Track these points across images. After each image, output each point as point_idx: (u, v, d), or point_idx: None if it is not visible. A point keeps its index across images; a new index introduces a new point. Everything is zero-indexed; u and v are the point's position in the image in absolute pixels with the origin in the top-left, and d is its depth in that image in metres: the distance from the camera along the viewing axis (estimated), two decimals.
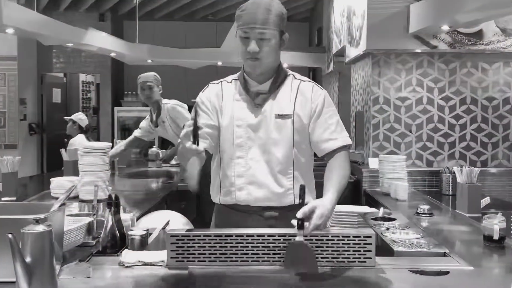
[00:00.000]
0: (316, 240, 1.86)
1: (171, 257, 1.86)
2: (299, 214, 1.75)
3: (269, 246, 1.86)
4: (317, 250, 1.86)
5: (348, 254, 1.87)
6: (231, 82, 2.23)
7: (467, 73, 4.65)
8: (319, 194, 2.09)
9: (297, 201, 1.87)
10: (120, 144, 5.25)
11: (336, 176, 2.03)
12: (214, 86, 2.23)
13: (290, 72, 2.23)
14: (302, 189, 1.84)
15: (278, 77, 2.17)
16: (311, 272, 1.76)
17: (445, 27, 4.11)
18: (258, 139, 2.13)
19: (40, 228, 1.50)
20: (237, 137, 2.14)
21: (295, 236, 1.79)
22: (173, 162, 6.18)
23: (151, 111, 5.05)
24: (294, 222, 1.77)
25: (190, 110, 11.04)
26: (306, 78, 2.24)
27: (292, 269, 1.77)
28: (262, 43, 2.05)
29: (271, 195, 2.14)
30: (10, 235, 1.42)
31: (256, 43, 2.04)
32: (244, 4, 2.09)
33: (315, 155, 2.26)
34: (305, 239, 1.76)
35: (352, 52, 5.26)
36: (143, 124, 5.12)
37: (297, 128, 2.14)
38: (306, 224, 1.77)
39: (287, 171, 2.15)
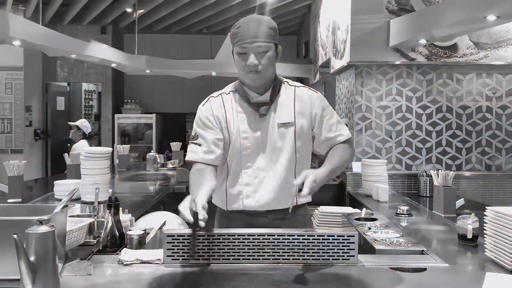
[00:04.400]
0: (303, 239, 1.87)
1: (167, 256, 1.85)
2: (296, 181, 1.81)
3: (259, 245, 1.86)
4: (304, 249, 1.86)
5: (332, 252, 1.87)
6: (229, 93, 2.16)
7: (443, 83, 4.68)
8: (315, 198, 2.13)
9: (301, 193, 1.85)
10: None
11: (333, 157, 2.09)
12: (215, 100, 2.15)
13: (284, 80, 2.20)
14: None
15: (276, 85, 2.13)
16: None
17: (423, 41, 4.14)
18: (264, 149, 2.10)
19: (44, 228, 1.49)
20: (244, 148, 2.10)
21: (283, 235, 1.80)
22: (169, 166, 6.17)
23: None
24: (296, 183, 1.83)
25: (185, 118, 10.88)
26: (299, 84, 2.21)
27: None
28: (260, 56, 2.02)
29: (277, 199, 2.11)
30: (15, 235, 1.41)
31: (255, 56, 2.01)
32: (237, 22, 2.06)
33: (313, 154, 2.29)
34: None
35: (336, 64, 5.28)
36: None
37: (299, 134, 2.12)
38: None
39: (290, 175, 2.12)
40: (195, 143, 2.10)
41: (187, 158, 2.12)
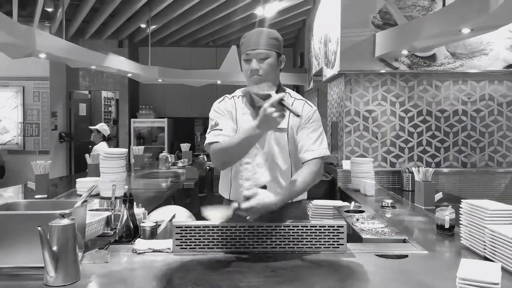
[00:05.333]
0: (297, 229, 1.86)
1: (176, 245, 1.86)
2: (247, 193, 1.79)
3: (259, 235, 1.86)
4: (298, 238, 1.86)
5: (324, 241, 1.87)
6: (239, 97, 2.17)
7: (423, 89, 4.67)
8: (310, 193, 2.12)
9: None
10: None
11: (296, 181, 1.96)
12: (229, 100, 2.17)
13: (287, 90, 2.19)
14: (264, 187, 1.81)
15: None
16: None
17: (405, 52, 4.14)
18: (262, 149, 2.10)
19: (65, 221, 1.49)
20: None
21: (280, 226, 1.79)
22: (179, 164, 6.16)
23: None
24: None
25: (194, 122, 10.87)
26: (300, 96, 2.18)
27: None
28: (262, 62, 2.02)
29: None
30: (39, 228, 1.41)
31: (257, 62, 2.02)
32: (245, 34, 2.09)
33: None
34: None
35: (328, 73, 5.28)
36: None
37: (291, 140, 2.11)
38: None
39: (286, 176, 2.12)
40: (217, 129, 2.03)
41: (211, 140, 2.01)
